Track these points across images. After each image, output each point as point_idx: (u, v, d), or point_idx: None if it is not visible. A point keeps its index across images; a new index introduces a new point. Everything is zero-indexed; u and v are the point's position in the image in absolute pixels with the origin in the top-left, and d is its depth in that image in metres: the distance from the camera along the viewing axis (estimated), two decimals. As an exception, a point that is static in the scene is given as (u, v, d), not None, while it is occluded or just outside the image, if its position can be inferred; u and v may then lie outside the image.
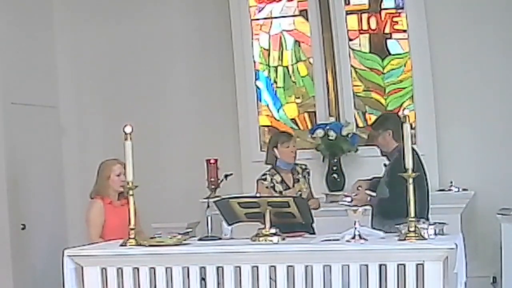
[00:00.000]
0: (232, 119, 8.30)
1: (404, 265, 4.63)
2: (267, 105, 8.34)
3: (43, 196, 8.24)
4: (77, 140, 8.80)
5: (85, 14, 8.75)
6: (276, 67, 8.32)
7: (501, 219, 6.87)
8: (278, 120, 8.31)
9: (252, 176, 7.56)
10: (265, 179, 6.22)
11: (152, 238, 5.28)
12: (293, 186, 6.23)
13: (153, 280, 5.01)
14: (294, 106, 8.31)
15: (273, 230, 5.07)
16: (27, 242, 7.87)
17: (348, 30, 8.01)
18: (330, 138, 7.82)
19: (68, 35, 8.74)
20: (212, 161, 5.64)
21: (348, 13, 8.02)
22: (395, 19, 7.94)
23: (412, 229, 4.75)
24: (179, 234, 5.34)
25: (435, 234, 4.91)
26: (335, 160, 7.91)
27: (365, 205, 5.80)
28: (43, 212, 8.21)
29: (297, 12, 8.24)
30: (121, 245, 5.16)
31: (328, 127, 7.86)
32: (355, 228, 4.83)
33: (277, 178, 6.23)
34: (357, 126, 8.01)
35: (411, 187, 4.80)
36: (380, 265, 4.68)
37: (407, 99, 7.94)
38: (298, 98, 8.29)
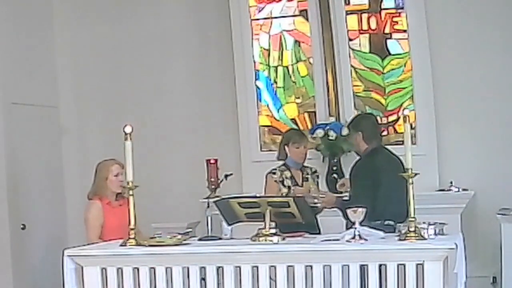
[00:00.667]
0: (232, 119, 8.30)
1: (404, 265, 4.63)
2: (267, 105, 8.34)
3: (43, 196, 8.24)
4: (77, 140, 8.80)
5: (85, 14, 8.75)
6: (276, 67, 8.31)
7: (501, 219, 6.87)
8: (278, 120, 8.31)
9: (252, 176, 7.58)
10: (274, 173, 6.27)
11: (152, 238, 5.28)
12: (302, 184, 6.26)
13: (153, 280, 5.01)
14: (294, 106, 8.30)
15: (273, 230, 5.07)
16: (27, 242, 7.87)
17: (348, 30, 8.01)
18: (330, 138, 7.82)
19: (68, 35, 8.74)
20: (212, 161, 5.65)
21: (348, 13, 8.02)
22: (395, 19, 7.93)
23: (412, 229, 4.75)
24: (179, 234, 5.34)
25: (435, 234, 4.91)
26: (335, 160, 7.91)
27: (333, 207, 5.85)
28: (43, 212, 8.21)
29: (297, 12, 8.23)
30: (121, 245, 5.16)
31: (328, 127, 7.87)
32: (355, 228, 4.83)
33: (287, 173, 6.29)
34: (357, 126, 8.00)
35: (410, 187, 4.80)
36: (380, 265, 4.68)
37: (407, 99, 7.93)
38: (298, 98, 8.29)
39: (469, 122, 7.79)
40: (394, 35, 7.96)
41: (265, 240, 5.01)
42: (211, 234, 5.46)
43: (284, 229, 5.19)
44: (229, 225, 5.45)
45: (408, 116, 4.99)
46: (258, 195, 5.96)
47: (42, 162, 8.31)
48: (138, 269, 5.04)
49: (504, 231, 6.83)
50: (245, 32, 8.24)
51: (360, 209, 4.86)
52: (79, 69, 8.79)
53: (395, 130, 7.97)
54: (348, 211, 4.87)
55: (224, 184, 5.71)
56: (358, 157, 6.02)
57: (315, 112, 8.15)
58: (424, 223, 4.93)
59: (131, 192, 5.19)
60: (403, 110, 7.74)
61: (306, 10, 8.14)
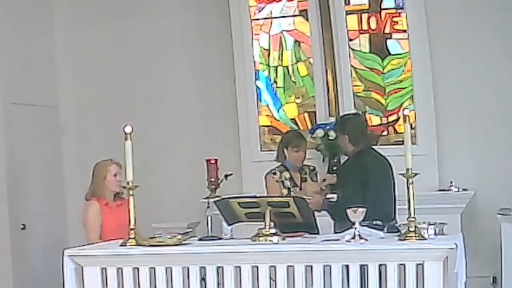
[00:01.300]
0: (232, 119, 8.30)
1: (404, 265, 4.63)
2: (267, 105, 8.34)
3: (43, 196, 8.24)
4: (77, 140, 8.80)
5: (85, 14, 8.75)
6: (276, 67, 8.31)
7: (501, 219, 6.87)
8: (278, 120, 8.31)
9: (252, 176, 7.57)
10: (275, 173, 6.27)
11: (152, 238, 5.27)
12: (300, 185, 6.25)
13: (153, 280, 5.01)
14: (294, 106, 8.31)
15: (273, 230, 5.07)
16: (27, 242, 7.87)
17: (348, 30, 8.01)
18: (330, 138, 7.82)
19: (68, 35, 8.74)
20: (212, 161, 5.64)
21: (348, 13, 8.02)
22: (395, 19, 7.93)
23: (412, 229, 4.75)
24: (179, 234, 5.34)
25: (435, 234, 4.91)
26: (335, 160, 7.90)
27: (320, 210, 5.86)
28: (43, 212, 8.21)
29: (297, 12, 8.23)
30: (121, 245, 5.16)
31: (328, 127, 7.86)
32: (355, 228, 4.83)
33: (286, 174, 6.28)
34: (357, 126, 8.00)
35: (411, 187, 4.80)
36: (380, 265, 4.68)
37: (407, 99, 7.93)
38: (298, 98, 8.29)
39: (469, 122, 7.79)
40: (394, 35, 7.96)
41: (265, 240, 5.00)
42: (211, 234, 5.45)
43: (283, 229, 5.19)
44: (229, 225, 5.45)
45: (408, 116, 4.99)
46: (258, 195, 5.96)
47: (42, 162, 8.32)
48: (138, 269, 5.04)
49: (504, 231, 6.83)
50: (245, 32, 8.24)
51: (360, 209, 4.86)
52: (79, 69, 8.79)
53: (395, 130, 7.97)
54: (348, 211, 4.86)
55: (224, 184, 5.70)
56: (346, 158, 6.05)
57: (315, 112, 8.15)
58: (424, 223, 4.92)
59: (131, 192, 5.19)
60: (403, 110, 7.74)
61: (306, 10, 8.14)
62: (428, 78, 7.78)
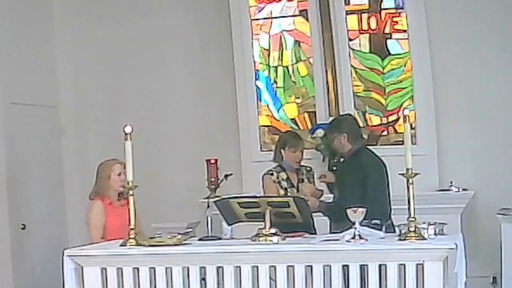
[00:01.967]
0: (232, 119, 8.30)
1: (404, 265, 4.63)
2: (267, 105, 8.34)
3: (43, 196, 8.24)
4: (77, 140, 8.81)
5: (85, 14, 8.75)
6: (276, 67, 8.32)
7: (501, 219, 6.87)
8: (278, 120, 8.31)
9: (252, 176, 7.56)
10: (272, 174, 6.23)
11: (152, 238, 5.27)
12: (297, 185, 6.24)
13: (153, 280, 5.01)
14: (294, 106, 8.31)
15: (273, 230, 5.07)
16: (27, 242, 7.87)
17: (348, 30, 8.01)
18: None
19: (68, 35, 8.75)
20: (212, 161, 5.64)
21: (348, 13, 8.02)
22: (395, 19, 7.94)
23: (412, 229, 4.75)
24: (179, 234, 5.34)
25: (435, 234, 4.91)
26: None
27: (316, 211, 5.86)
28: (43, 212, 8.21)
29: (297, 12, 8.24)
30: (121, 245, 5.16)
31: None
32: (355, 228, 4.83)
33: (283, 175, 6.25)
34: (357, 126, 8.00)
35: (411, 187, 4.80)
36: (380, 265, 4.68)
37: (407, 99, 7.93)
38: (298, 98, 8.29)
39: (469, 122, 7.79)
40: (394, 35, 7.96)
41: (265, 240, 5.00)
42: (211, 234, 5.45)
43: (281, 229, 5.18)
44: (229, 225, 5.45)
45: (408, 116, 4.99)
46: (258, 195, 5.96)
47: (42, 162, 8.32)
48: (138, 269, 5.03)
49: (504, 231, 6.83)
50: (245, 32, 8.24)
51: (360, 209, 4.87)
52: (79, 69, 8.80)
53: (395, 130, 7.97)
54: (348, 211, 4.86)
55: (224, 184, 5.70)
56: (342, 159, 6.05)
57: (315, 112, 8.15)
58: (424, 223, 4.92)
59: (131, 192, 5.19)
60: (403, 110, 7.74)
61: (306, 10, 8.15)
62: (428, 78, 7.78)
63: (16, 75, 7.97)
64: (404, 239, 4.75)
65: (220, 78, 8.42)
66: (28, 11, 8.26)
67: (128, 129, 5.18)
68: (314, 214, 5.88)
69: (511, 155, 7.65)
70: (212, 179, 5.61)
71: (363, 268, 4.71)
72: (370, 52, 8.02)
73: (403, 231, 4.83)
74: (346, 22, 8.00)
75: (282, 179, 6.23)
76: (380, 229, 5.21)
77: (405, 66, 7.93)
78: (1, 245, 7.56)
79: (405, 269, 4.63)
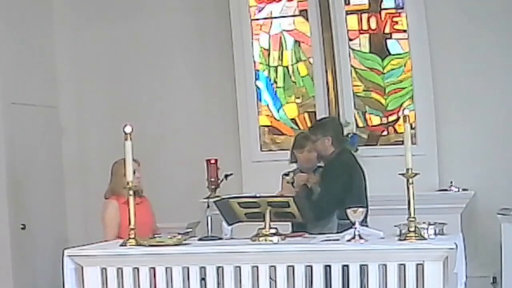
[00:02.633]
0: (232, 119, 8.30)
1: (404, 265, 4.63)
2: (267, 105, 8.34)
3: (43, 196, 8.24)
4: (77, 140, 8.80)
5: (85, 14, 8.76)
6: (276, 67, 8.31)
7: (501, 219, 6.87)
8: (278, 120, 8.31)
9: (252, 176, 7.57)
10: (287, 175, 6.24)
11: (152, 238, 5.28)
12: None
13: (153, 280, 5.01)
14: (294, 106, 8.30)
15: (273, 230, 5.07)
16: (27, 242, 7.87)
17: (348, 30, 8.00)
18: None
19: (68, 35, 8.75)
20: (212, 161, 5.64)
21: (348, 13, 8.02)
22: (395, 19, 7.93)
23: (412, 229, 4.75)
24: (179, 234, 5.34)
25: (435, 234, 4.91)
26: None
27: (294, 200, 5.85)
28: (43, 212, 8.21)
29: (297, 12, 8.23)
30: (121, 245, 5.16)
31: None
32: (355, 228, 4.83)
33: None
34: (357, 126, 8.01)
35: (411, 187, 4.80)
36: (380, 265, 4.68)
37: (407, 99, 7.93)
38: (298, 98, 8.29)
39: (469, 122, 7.79)
40: (394, 35, 7.96)
41: (265, 240, 5.01)
42: (211, 234, 5.45)
43: (294, 228, 5.20)
44: (229, 225, 5.45)
45: (408, 116, 4.99)
46: (258, 195, 5.95)
47: (42, 162, 8.32)
48: (138, 269, 5.04)
49: (504, 231, 6.83)
50: (245, 32, 8.24)
51: (360, 209, 4.87)
52: (79, 69, 8.80)
53: (395, 130, 7.97)
54: (348, 211, 4.87)
55: (224, 184, 5.70)
56: (324, 162, 6.05)
57: (315, 112, 8.14)
58: (424, 223, 4.93)
59: (130, 192, 5.19)
60: (403, 110, 7.73)
61: (306, 10, 8.14)
62: (428, 78, 7.78)
63: (16, 75, 7.97)
64: (404, 239, 4.75)
65: (220, 78, 8.42)
66: (28, 11, 8.26)
67: (128, 129, 5.19)
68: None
69: (511, 155, 7.65)
70: (212, 179, 5.61)
71: (363, 268, 4.71)
72: (370, 52, 8.02)
73: (403, 231, 4.83)
74: (346, 22, 8.00)
75: None
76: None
77: (405, 66, 7.93)
78: (1, 245, 7.56)
79: (405, 269, 4.63)
